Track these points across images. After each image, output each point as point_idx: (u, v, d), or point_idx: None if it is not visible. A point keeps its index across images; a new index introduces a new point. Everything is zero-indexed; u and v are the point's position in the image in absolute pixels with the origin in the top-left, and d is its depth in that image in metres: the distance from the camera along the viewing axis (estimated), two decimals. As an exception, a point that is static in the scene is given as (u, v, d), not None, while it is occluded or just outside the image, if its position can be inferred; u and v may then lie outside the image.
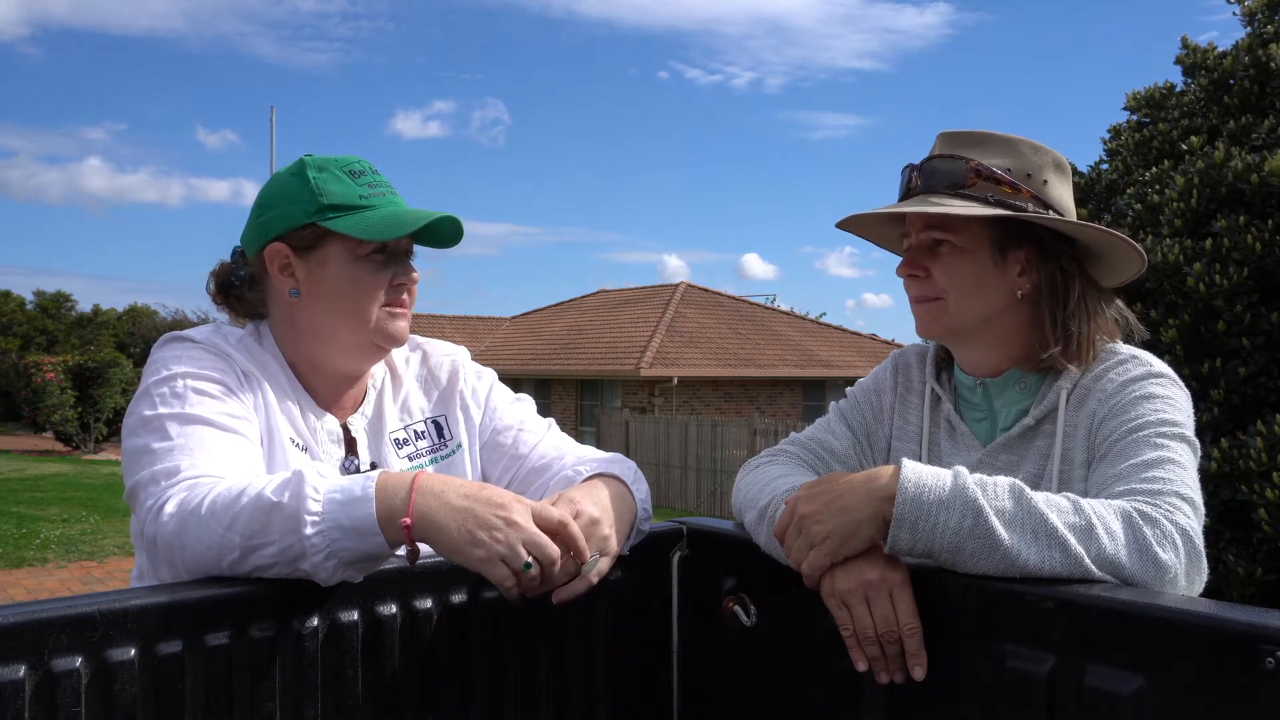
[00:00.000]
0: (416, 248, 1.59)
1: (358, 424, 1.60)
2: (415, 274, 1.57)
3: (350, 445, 1.58)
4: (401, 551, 1.24)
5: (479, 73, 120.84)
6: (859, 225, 1.60)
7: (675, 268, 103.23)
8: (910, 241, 1.49)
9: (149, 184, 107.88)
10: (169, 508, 1.24)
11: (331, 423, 1.56)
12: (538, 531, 1.21)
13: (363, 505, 1.16)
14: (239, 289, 1.58)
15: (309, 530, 1.15)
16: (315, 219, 1.48)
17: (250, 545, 1.18)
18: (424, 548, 1.22)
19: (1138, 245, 1.43)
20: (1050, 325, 1.45)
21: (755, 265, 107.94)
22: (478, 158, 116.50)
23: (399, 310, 1.54)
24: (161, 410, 1.37)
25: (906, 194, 1.50)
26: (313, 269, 1.50)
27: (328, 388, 1.57)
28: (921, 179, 1.48)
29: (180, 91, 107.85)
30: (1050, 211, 1.44)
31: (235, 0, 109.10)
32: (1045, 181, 1.45)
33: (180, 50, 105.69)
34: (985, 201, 1.42)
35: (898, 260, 1.53)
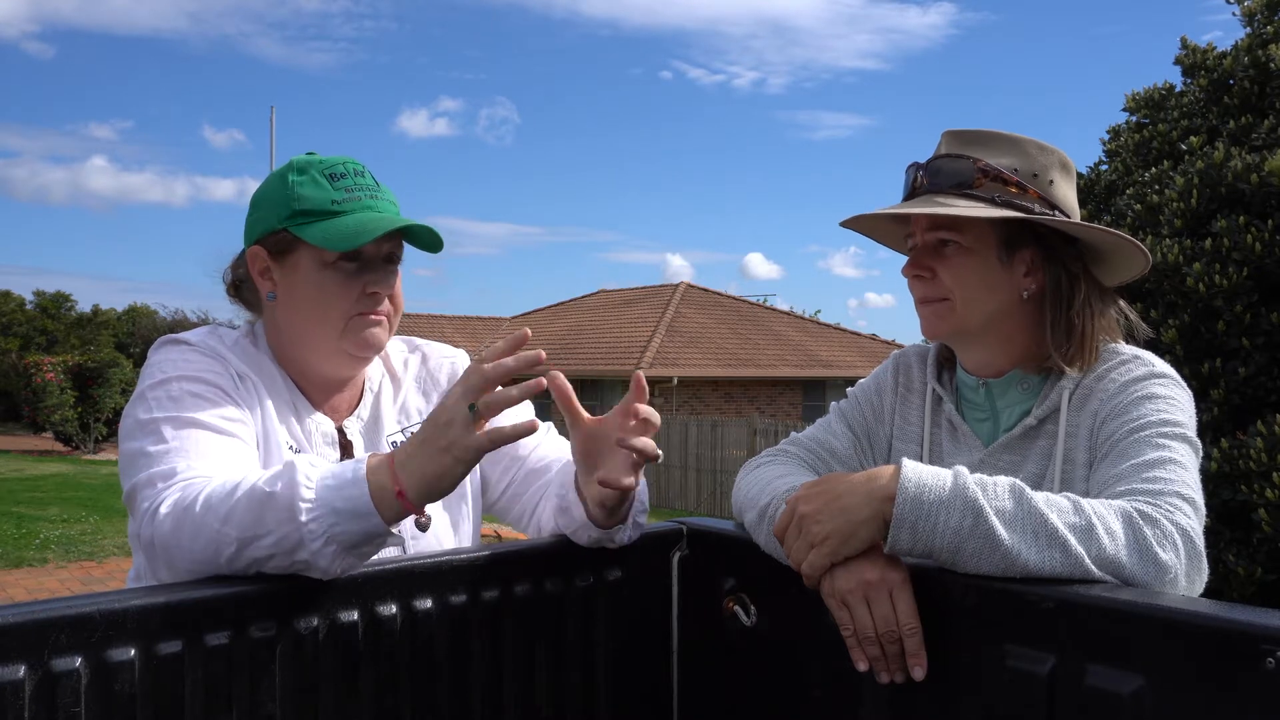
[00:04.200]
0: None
1: (353, 427, 1.59)
2: (393, 281, 1.52)
3: (346, 448, 1.57)
4: (407, 527, 1.25)
5: (482, 72, 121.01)
6: (863, 224, 1.60)
7: (678, 267, 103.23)
8: (916, 241, 1.49)
9: (154, 183, 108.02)
10: (164, 508, 1.24)
11: (326, 425, 1.56)
12: (455, 388, 1.19)
13: (356, 487, 1.16)
14: (241, 286, 1.58)
15: (304, 518, 1.15)
16: (286, 224, 1.47)
17: (246, 538, 1.17)
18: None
19: (1142, 246, 1.43)
20: (1054, 326, 1.44)
21: (759, 265, 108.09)
22: (484, 157, 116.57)
23: (373, 318, 1.50)
24: (157, 414, 1.37)
25: (912, 193, 1.49)
26: (287, 273, 1.49)
27: (320, 390, 1.57)
28: (927, 178, 1.47)
29: (186, 91, 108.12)
30: (1056, 212, 1.44)
31: (238, 1, 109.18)
32: (1051, 181, 1.45)
33: (184, 50, 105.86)
34: (992, 202, 1.42)
35: (902, 260, 1.53)
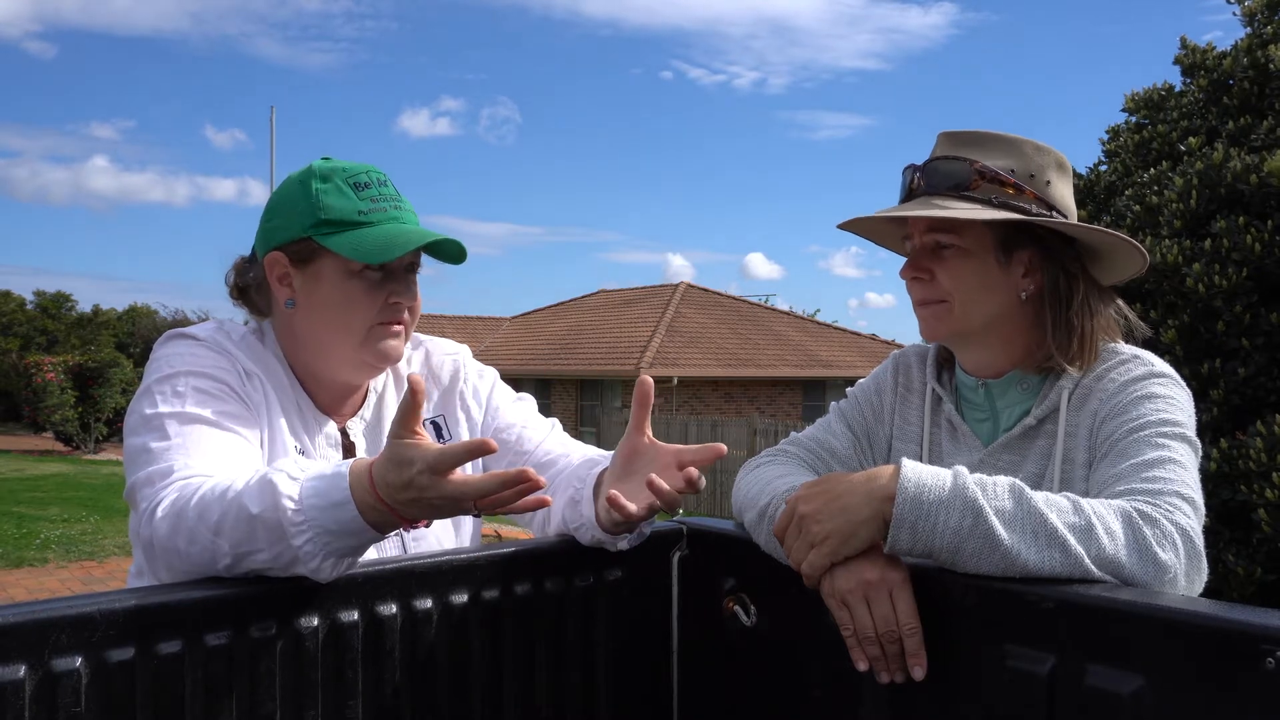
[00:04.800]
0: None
1: (356, 428, 1.59)
2: (415, 292, 1.53)
3: (348, 450, 1.57)
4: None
5: (483, 72, 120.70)
6: (861, 225, 1.60)
7: (679, 267, 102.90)
8: (914, 243, 1.49)
9: (155, 183, 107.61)
10: (160, 510, 1.23)
11: (330, 427, 1.56)
12: (452, 493, 1.13)
13: (345, 509, 1.15)
14: (248, 290, 1.58)
15: (298, 541, 1.15)
16: (311, 233, 1.46)
17: (241, 552, 1.17)
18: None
19: (1139, 245, 1.43)
20: (1053, 326, 1.44)
21: (760, 265, 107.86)
22: (485, 156, 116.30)
23: (393, 329, 1.50)
24: (162, 409, 1.37)
25: (909, 195, 1.49)
26: (308, 282, 1.48)
27: (327, 393, 1.57)
28: (924, 180, 1.47)
29: (188, 91, 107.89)
30: (1054, 212, 1.44)
31: (239, 1, 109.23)
32: (1048, 182, 1.45)
33: (186, 50, 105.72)
34: (989, 203, 1.42)
35: (901, 260, 1.53)
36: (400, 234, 1.46)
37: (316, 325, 1.49)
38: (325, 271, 1.47)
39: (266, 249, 1.51)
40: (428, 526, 1.48)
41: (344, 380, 1.56)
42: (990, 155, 1.45)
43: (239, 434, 1.39)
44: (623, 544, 1.43)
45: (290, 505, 1.15)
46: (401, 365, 1.67)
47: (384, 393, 1.64)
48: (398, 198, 1.52)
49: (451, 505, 1.15)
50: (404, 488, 1.13)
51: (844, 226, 1.58)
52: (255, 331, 1.56)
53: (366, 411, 1.61)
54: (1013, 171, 1.44)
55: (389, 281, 1.49)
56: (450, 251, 1.53)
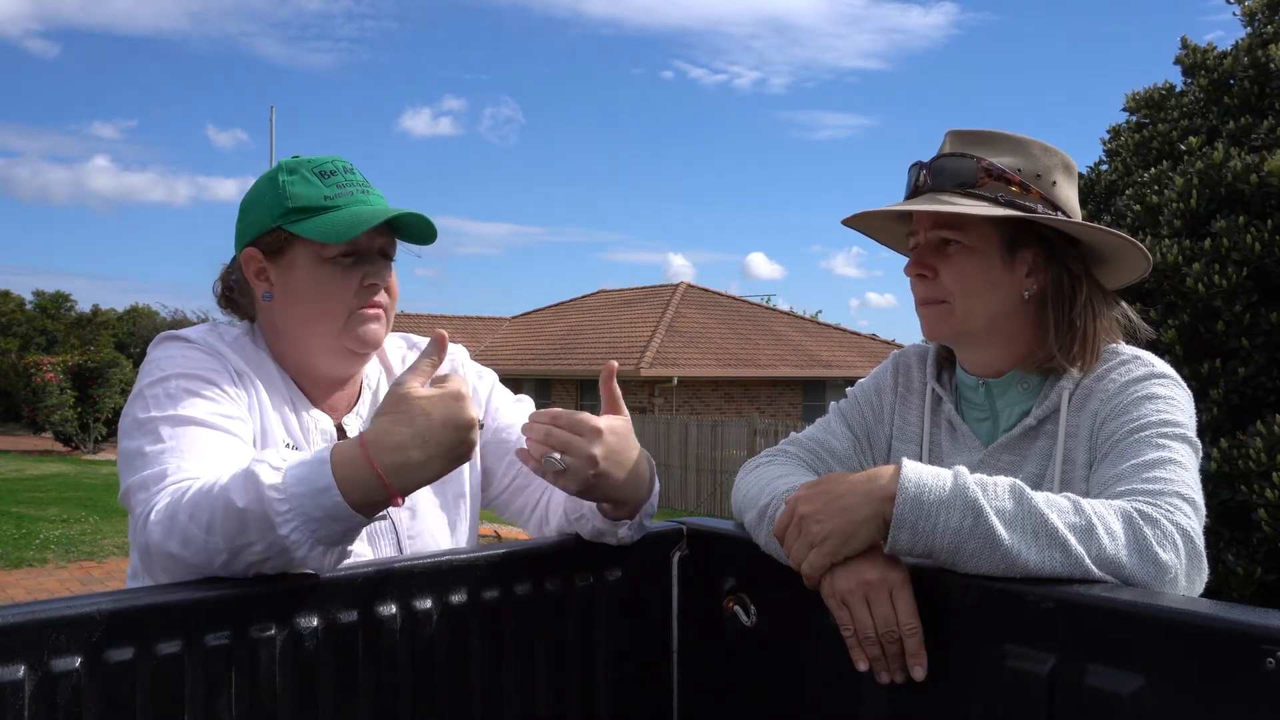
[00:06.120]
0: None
1: (352, 424, 1.59)
2: (390, 274, 1.54)
3: None
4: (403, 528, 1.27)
5: (485, 72, 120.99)
6: (864, 223, 1.60)
7: (679, 267, 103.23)
8: (918, 240, 1.49)
9: (156, 183, 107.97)
10: (154, 515, 1.24)
11: (325, 422, 1.56)
12: (460, 407, 1.20)
13: (329, 495, 1.15)
14: (233, 294, 1.58)
15: (285, 530, 1.15)
16: (280, 223, 1.48)
17: (235, 547, 1.17)
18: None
19: (1144, 248, 1.43)
20: (1055, 327, 1.44)
21: (761, 265, 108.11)
22: (488, 156, 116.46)
23: (371, 313, 1.51)
24: (155, 412, 1.37)
25: (915, 192, 1.49)
26: (283, 273, 1.50)
27: (319, 388, 1.57)
28: (930, 177, 1.47)
29: (189, 91, 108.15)
30: (1059, 213, 1.44)
31: (240, 1, 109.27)
32: (1054, 183, 1.45)
33: (187, 50, 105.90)
34: (995, 201, 1.42)
35: (904, 260, 1.53)
36: (367, 213, 1.48)
37: (295, 315, 1.51)
38: (298, 260, 1.49)
39: (241, 246, 1.53)
40: (401, 506, 1.42)
41: (330, 371, 1.56)
42: (997, 154, 1.45)
43: (233, 435, 1.39)
44: (624, 533, 1.44)
45: (275, 495, 1.15)
46: (394, 362, 1.67)
47: (378, 388, 1.64)
48: (365, 184, 1.54)
49: (444, 423, 1.19)
50: (394, 418, 1.18)
51: (848, 222, 1.58)
52: (248, 333, 1.56)
53: (362, 407, 1.61)
54: (1019, 171, 1.44)
55: (363, 264, 1.50)
56: (420, 229, 1.53)
